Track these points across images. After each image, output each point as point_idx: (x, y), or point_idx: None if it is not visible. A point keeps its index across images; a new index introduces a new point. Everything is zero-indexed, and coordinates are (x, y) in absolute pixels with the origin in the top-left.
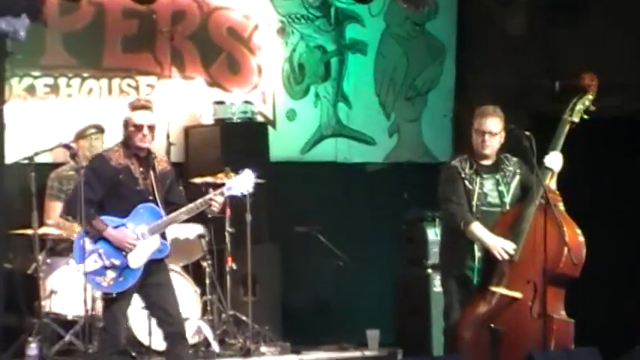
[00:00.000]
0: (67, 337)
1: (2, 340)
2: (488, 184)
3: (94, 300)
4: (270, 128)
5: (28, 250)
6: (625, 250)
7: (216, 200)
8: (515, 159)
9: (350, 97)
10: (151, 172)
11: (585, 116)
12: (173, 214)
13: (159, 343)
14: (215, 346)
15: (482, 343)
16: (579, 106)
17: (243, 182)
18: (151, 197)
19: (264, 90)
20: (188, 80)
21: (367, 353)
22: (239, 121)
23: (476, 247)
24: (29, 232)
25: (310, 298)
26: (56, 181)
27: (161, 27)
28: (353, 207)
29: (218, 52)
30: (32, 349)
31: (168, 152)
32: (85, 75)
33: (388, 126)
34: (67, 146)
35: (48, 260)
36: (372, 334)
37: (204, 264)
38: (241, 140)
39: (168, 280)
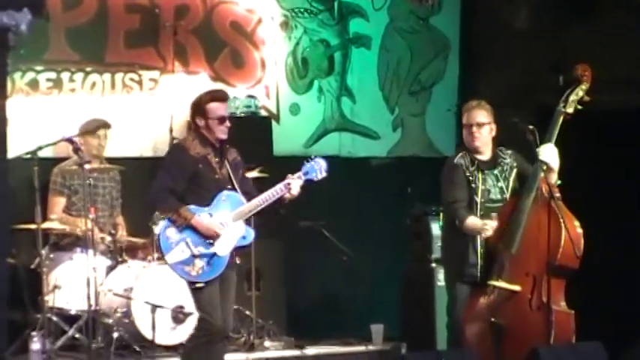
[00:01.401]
0: (71, 332)
1: (6, 335)
2: (490, 180)
3: (97, 295)
4: (273, 122)
5: (31, 244)
6: (626, 242)
7: (294, 185)
8: (509, 151)
9: (354, 91)
10: (226, 161)
11: (579, 107)
12: (255, 200)
13: (162, 337)
14: None
15: (486, 337)
16: (573, 97)
17: (317, 168)
18: (229, 186)
19: (267, 84)
20: (191, 75)
21: (371, 347)
22: (243, 115)
23: (478, 244)
24: (32, 226)
25: (314, 293)
26: (59, 176)
27: (164, 21)
28: (357, 201)
29: (222, 46)
30: (36, 343)
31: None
32: (88, 70)
33: (392, 120)
34: (69, 140)
35: (51, 255)
36: (376, 329)
37: None
38: (245, 134)
39: (234, 279)
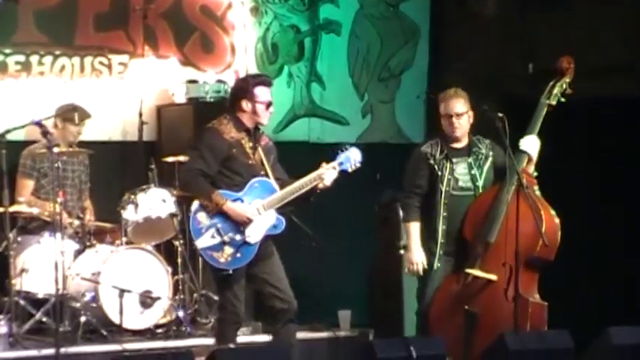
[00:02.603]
0: (38, 316)
1: None
2: (460, 168)
3: (64, 278)
4: None
5: None
6: (598, 232)
7: (328, 175)
8: (487, 141)
9: (323, 77)
10: (259, 147)
11: (562, 99)
12: (288, 188)
13: (130, 321)
14: (187, 326)
15: (456, 325)
16: (557, 90)
17: (352, 158)
18: (262, 172)
19: (237, 69)
20: (161, 59)
21: (339, 333)
22: (212, 100)
23: (440, 235)
24: (0, 209)
25: None
26: (29, 159)
27: (134, 5)
28: None
29: (191, 30)
30: (3, 327)
31: (140, 131)
32: (57, 53)
33: (361, 107)
34: (38, 124)
35: (19, 238)
36: (344, 315)
37: (176, 243)
38: (214, 119)
39: (274, 253)
